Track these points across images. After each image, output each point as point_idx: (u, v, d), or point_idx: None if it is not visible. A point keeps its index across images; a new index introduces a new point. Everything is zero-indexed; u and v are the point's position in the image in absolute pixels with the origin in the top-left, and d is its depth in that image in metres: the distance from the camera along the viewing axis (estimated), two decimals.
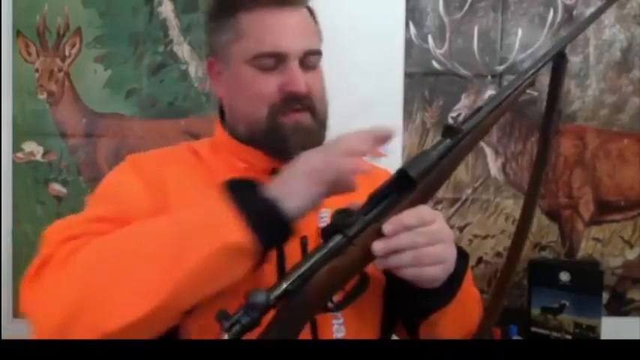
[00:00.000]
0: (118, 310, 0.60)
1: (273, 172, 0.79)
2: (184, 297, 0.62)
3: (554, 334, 1.45)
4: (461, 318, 0.78)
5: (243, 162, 0.85)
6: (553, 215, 1.57)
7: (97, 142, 1.53)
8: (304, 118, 0.81)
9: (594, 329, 1.42)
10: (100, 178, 1.59)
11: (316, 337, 0.75)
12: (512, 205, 1.56)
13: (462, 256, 0.74)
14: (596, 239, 1.57)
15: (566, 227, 1.57)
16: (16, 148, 1.52)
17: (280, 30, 0.80)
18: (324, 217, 0.80)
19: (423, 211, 0.67)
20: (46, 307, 0.63)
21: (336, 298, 0.68)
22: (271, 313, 0.62)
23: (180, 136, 1.52)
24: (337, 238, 0.65)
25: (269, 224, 0.63)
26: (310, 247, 0.68)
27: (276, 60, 0.80)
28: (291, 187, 0.66)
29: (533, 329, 1.47)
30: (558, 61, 0.79)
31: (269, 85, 0.80)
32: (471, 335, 0.80)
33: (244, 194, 0.64)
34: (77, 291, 0.61)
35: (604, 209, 1.57)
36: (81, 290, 0.61)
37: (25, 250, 1.52)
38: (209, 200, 0.65)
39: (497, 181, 1.56)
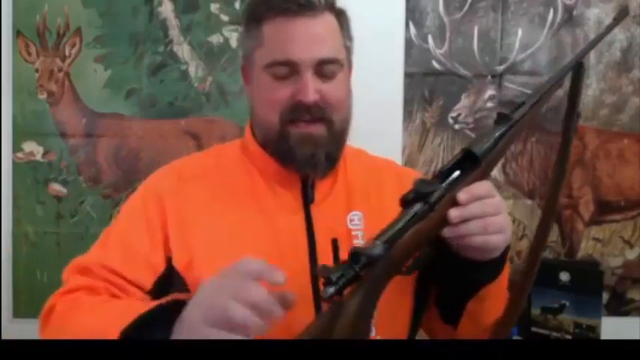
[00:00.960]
0: None
1: (304, 185, 0.86)
2: None
3: (554, 334, 1.45)
4: (503, 294, 0.84)
5: (256, 167, 0.89)
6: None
7: (97, 142, 1.53)
8: (316, 129, 0.83)
9: (594, 329, 1.42)
10: (100, 178, 1.59)
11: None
12: (512, 205, 1.56)
13: None
14: (596, 239, 1.57)
15: (566, 227, 1.57)
16: (16, 148, 1.52)
17: (294, 39, 0.81)
18: (355, 219, 0.86)
19: (489, 184, 0.74)
20: None
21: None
22: None
23: (180, 136, 1.52)
24: (419, 205, 0.70)
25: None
26: (341, 249, 0.68)
27: (290, 69, 0.81)
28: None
29: (533, 329, 1.47)
30: (578, 69, 0.83)
31: (281, 92, 0.82)
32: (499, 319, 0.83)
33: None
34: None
35: (604, 209, 1.57)
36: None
37: (25, 250, 1.53)
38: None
39: (498, 181, 1.56)
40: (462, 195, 0.70)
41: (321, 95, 0.82)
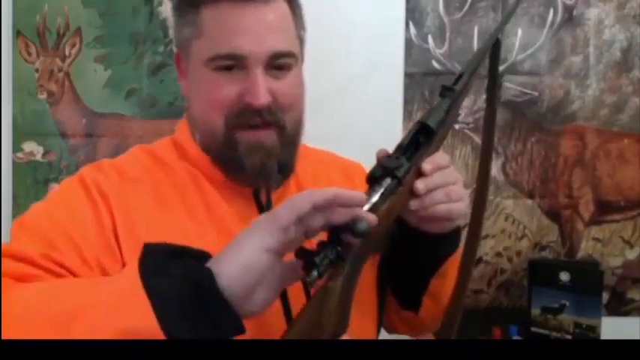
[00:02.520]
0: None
1: (256, 198, 0.74)
2: None
3: (554, 334, 1.45)
4: (457, 269, 0.80)
5: (202, 173, 0.77)
6: (553, 215, 1.57)
7: (97, 142, 1.53)
8: (266, 136, 0.71)
9: (594, 329, 1.42)
10: None
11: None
12: (512, 205, 1.56)
13: None
14: (596, 239, 1.57)
15: (566, 227, 1.57)
16: (16, 148, 1.52)
17: (240, 28, 0.69)
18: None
19: (445, 155, 0.74)
20: None
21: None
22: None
23: None
24: (388, 180, 0.67)
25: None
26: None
27: (236, 63, 0.70)
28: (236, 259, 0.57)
29: (533, 329, 1.47)
30: (495, 44, 0.82)
31: (226, 92, 0.71)
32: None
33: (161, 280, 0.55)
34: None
35: (604, 209, 1.57)
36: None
37: None
38: (121, 278, 0.57)
39: (497, 181, 1.56)
40: (427, 166, 0.70)
41: (274, 96, 0.71)
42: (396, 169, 0.67)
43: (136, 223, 0.70)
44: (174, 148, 0.79)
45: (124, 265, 0.67)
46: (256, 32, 0.69)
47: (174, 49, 0.80)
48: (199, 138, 0.76)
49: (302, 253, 0.59)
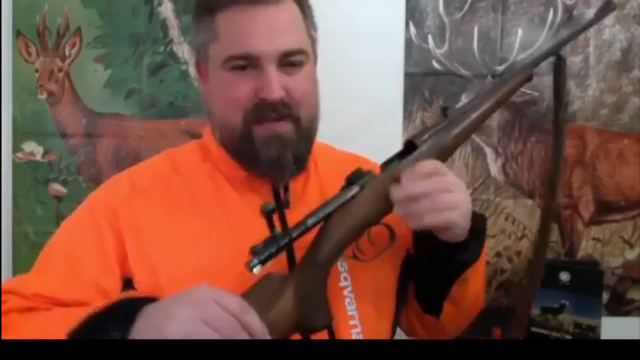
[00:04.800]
0: None
1: (275, 194, 0.79)
2: None
3: (554, 334, 1.45)
4: (482, 273, 0.84)
5: (221, 172, 0.82)
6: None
7: (97, 142, 1.53)
8: (282, 127, 0.76)
9: (594, 329, 1.42)
10: (100, 178, 1.59)
11: (332, 334, 0.76)
12: (512, 205, 1.56)
13: (481, 216, 0.81)
14: (596, 239, 1.57)
15: (566, 227, 1.57)
16: (16, 148, 1.52)
17: (252, 30, 0.74)
18: None
19: (436, 163, 0.73)
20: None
21: (370, 251, 0.76)
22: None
23: (180, 136, 1.52)
24: (353, 187, 0.73)
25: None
26: None
27: (250, 63, 0.75)
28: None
29: (533, 329, 1.47)
30: (557, 62, 0.81)
31: (243, 89, 0.75)
32: (482, 297, 0.86)
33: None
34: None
35: (604, 209, 1.57)
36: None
37: (25, 250, 1.52)
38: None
39: (497, 181, 1.56)
40: (403, 175, 0.71)
41: (287, 91, 0.75)
42: (361, 178, 0.73)
43: (142, 230, 0.77)
44: (200, 151, 0.85)
45: (122, 277, 0.76)
46: (267, 33, 0.74)
47: (194, 57, 0.86)
48: (219, 134, 0.82)
49: (252, 247, 0.67)
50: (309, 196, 0.83)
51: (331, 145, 0.94)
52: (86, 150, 1.53)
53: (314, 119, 0.81)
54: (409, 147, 0.76)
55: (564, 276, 1.44)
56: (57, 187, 1.53)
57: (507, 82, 0.81)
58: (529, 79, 0.82)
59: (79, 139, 1.53)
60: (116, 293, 0.74)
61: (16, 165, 1.52)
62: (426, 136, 0.76)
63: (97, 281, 0.75)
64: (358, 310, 0.79)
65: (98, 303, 0.69)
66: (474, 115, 0.78)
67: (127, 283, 0.77)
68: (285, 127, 0.77)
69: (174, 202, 0.79)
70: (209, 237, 0.77)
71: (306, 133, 0.80)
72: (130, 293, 0.71)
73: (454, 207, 0.72)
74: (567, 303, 1.43)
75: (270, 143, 0.76)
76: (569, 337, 1.43)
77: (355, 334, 0.78)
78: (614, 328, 1.46)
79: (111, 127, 1.53)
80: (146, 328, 0.62)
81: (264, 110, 0.75)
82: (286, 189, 0.81)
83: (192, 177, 0.82)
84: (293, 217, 0.74)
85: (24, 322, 0.70)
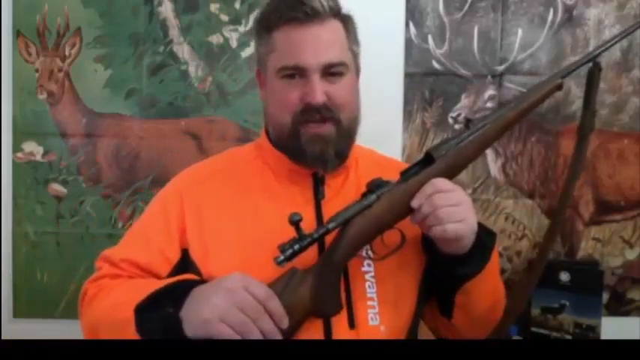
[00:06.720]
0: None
1: (314, 177, 0.93)
2: None
3: (554, 334, 1.45)
4: (490, 287, 0.91)
5: (269, 165, 0.96)
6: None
7: (97, 142, 1.53)
8: (324, 129, 0.89)
9: (594, 329, 1.42)
10: (100, 178, 1.59)
11: (352, 319, 0.85)
12: (512, 205, 1.56)
13: (491, 233, 0.92)
14: (596, 239, 1.57)
15: (566, 227, 1.57)
16: (16, 148, 1.52)
17: (301, 45, 0.88)
18: None
19: (440, 181, 0.83)
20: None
21: (382, 252, 0.87)
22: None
23: (180, 136, 1.52)
24: (370, 196, 0.84)
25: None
26: None
27: (298, 72, 0.88)
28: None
29: (533, 329, 1.47)
30: (592, 70, 0.89)
31: (292, 95, 0.89)
32: (499, 308, 0.91)
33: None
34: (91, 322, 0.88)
35: (604, 209, 1.57)
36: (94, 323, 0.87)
37: (25, 250, 1.53)
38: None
39: (497, 181, 1.56)
40: (426, 187, 0.82)
41: (329, 96, 0.88)
42: (379, 188, 0.84)
43: (200, 211, 0.92)
44: (255, 149, 1.01)
45: (180, 247, 0.92)
46: (313, 47, 0.88)
47: (255, 66, 1.00)
48: (272, 132, 0.96)
49: (280, 245, 0.80)
50: (346, 191, 0.95)
51: (376, 151, 1.07)
52: (86, 150, 1.53)
53: (354, 120, 0.94)
54: (428, 159, 0.85)
55: (564, 276, 1.44)
56: (57, 187, 1.53)
57: (536, 91, 0.90)
58: (559, 87, 0.90)
59: (79, 139, 1.53)
60: (176, 260, 0.91)
61: (16, 165, 1.53)
62: (444, 151, 0.85)
63: (162, 249, 0.91)
64: (378, 294, 0.89)
65: (164, 268, 0.90)
66: (497, 126, 0.88)
67: (185, 254, 0.92)
68: (328, 129, 0.89)
69: (228, 190, 0.94)
70: (253, 220, 0.91)
71: (347, 133, 0.92)
72: (184, 276, 0.85)
73: (461, 219, 0.80)
74: (567, 303, 1.43)
75: (314, 141, 0.89)
76: (569, 337, 1.43)
77: (372, 314, 0.87)
78: (614, 328, 1.46)
79: (111, 127, 1.53)
80: (189, 309, 0.76)
81: (310, 113, 0.88)
82: (323, 182, 0.94)
83: (245, 170, 0.97)
84: (329, 207, 0.90)
85: (114, 286, 0.88)
